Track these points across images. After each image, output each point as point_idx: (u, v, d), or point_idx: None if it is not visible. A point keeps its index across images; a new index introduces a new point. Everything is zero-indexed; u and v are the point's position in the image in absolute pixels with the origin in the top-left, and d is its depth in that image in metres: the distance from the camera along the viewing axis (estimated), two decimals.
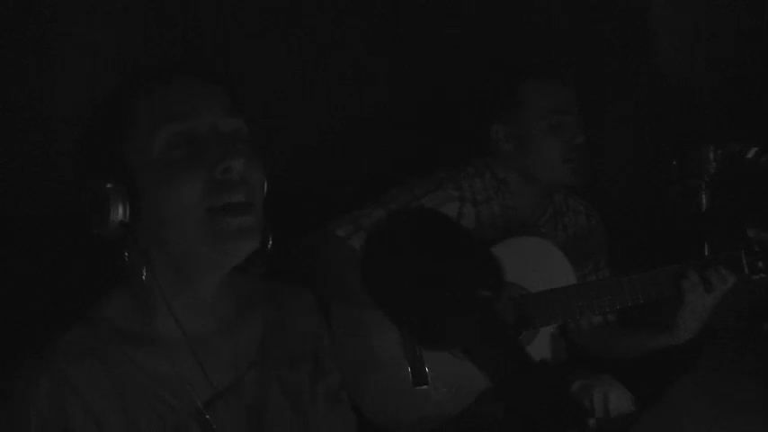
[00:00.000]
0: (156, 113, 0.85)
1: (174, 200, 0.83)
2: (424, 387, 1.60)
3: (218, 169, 0.83)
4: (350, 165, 1.96)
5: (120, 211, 0.83)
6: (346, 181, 1.75)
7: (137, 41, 1.63)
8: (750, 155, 1.58)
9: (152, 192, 0.84)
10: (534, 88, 1.70)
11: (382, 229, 0.76)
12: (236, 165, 0.84)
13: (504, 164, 1.73)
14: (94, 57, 1.56)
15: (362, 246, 0.75)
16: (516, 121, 1.70)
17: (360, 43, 2.12)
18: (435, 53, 2.18)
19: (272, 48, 1.94)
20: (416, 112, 2.13)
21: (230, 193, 0.84)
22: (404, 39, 2.18)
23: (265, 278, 1.02)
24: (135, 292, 0.89)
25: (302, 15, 2.01)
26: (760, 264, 1.50)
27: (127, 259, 0.85)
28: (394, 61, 2.17)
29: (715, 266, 1.49)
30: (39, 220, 1.34)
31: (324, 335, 1.07)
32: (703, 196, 1.62)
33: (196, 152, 0.84)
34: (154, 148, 0.84)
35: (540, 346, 1.66)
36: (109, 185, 0.83)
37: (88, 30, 1.56)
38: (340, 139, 2.07)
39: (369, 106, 2.12)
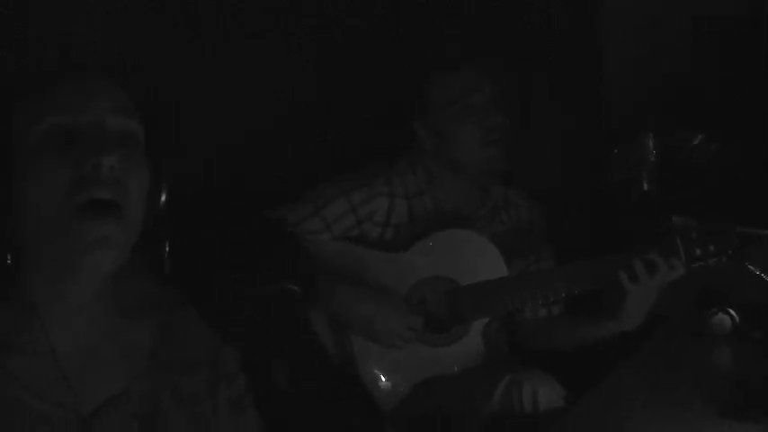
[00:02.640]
0: (44, 104, 0.83)
1: (39, 189, 0.80)
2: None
3: (88, 163, 0.80)
4: (350, 164, 1.96)
5: None
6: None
7: (137, 42, 1.63)
8: (696, 141, 1.59)
9: (21, 179, 0.81)
10: (439, 79, 1.71)
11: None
12: (106, 161, 0.80)
13: (432, 158, 1.73)
14: (94, 57, 1.56)
15: None
16: (431, 115, 1.71)
17: (360, 43, 2.12)
18: (435, 53, 2.17)
19: (271, 48, 1.94)
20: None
21: (95, 189, 0.80)
22: (404, 39, 2.18)
23: (156, 285, 0.99)
24: (11, 298, 0.85)
25: (302, 15, 2.02)
26: (698, 251, 1.49)
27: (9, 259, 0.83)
28: (394, 60, 2.17)
29: (652, 254, 1.48)
30: None
31: (220, 346, 1.02)
32: (644, 184, 1.61)
33: (74, 144, 0.82)
34: (32, 136, 0.82)
35: (473, 339, 1.65)
36: None
37: (88, 30, 1.56)
38: (340, 140, 2.07)
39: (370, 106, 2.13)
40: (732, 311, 1.41)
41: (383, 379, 1.62)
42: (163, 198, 0.91)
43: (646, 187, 1.60)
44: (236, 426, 1.00)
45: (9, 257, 0.83)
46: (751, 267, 1.35)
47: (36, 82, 0.86)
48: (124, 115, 0.86)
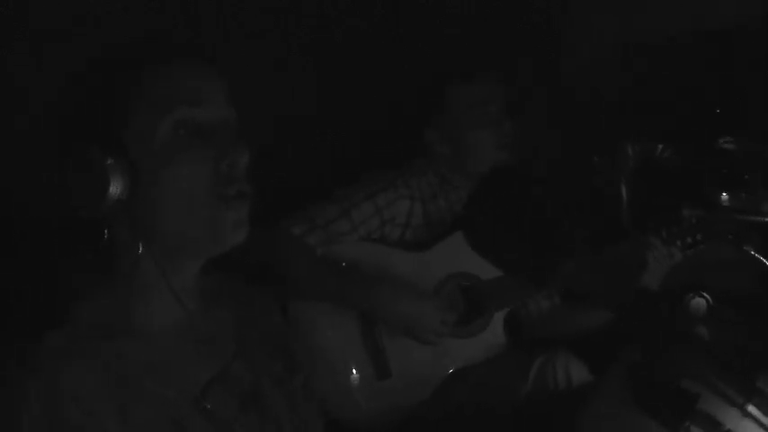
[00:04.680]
0: (165, 94, 0.84)
1: (179, 184, 0.83)
2: (388, 380, 1.65)
3: (226, 161, 0.85)
4: (349, 164, 1.97)
5: (120, 187, 0.80)
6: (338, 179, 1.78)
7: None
8: (657, 152, 1.73)
9: (153, 172, 0.82)
10: (453, 90, 1.78)
11: None
12: (243, 160, 0.86)
13: (445, 163, 1.81)
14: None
15: None
16: (445, 122, 1.78)
17: (360, 43, 2.13)
18: (436, 53, 2.18)
19: (272, 48, 1.94)
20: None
21: (234, 186, 0.86)
22: (404, 39, 2.18)
23: (228, 277, 1.04)
24: (112, 286, 0.88)
25: (302, 15, 2.02)
26: (689, 240, 1.64)
27: (106, 238, 0.84)
28: (394, 61, 2.17)
29: (657, 243, 1.63)
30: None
31: (288, 334, 1.10)
32: (623, 188, 1.76)
33: (204, 140, 0.85)
34: (159, 130, 0.82)
35: (495, 331, 1.73)
36: (110, 160, 0.80)
37: (87, 30, 1.56)
38: (340, 140, 2.07)
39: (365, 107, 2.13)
40: (707, 295, 1.53)
41: (415, 371, 1.67)
42: None
43: (625, 191, 1.76)
44: (309, 411, 1.05)
45: (141, 246, 0.85)
46: (749, 250, 1.46)
47: (149, 62, 0.85)
48: (231, 104, 0.90)
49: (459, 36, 2.21)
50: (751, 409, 1.10)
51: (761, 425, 1.14)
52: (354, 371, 1.65)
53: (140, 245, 0.84)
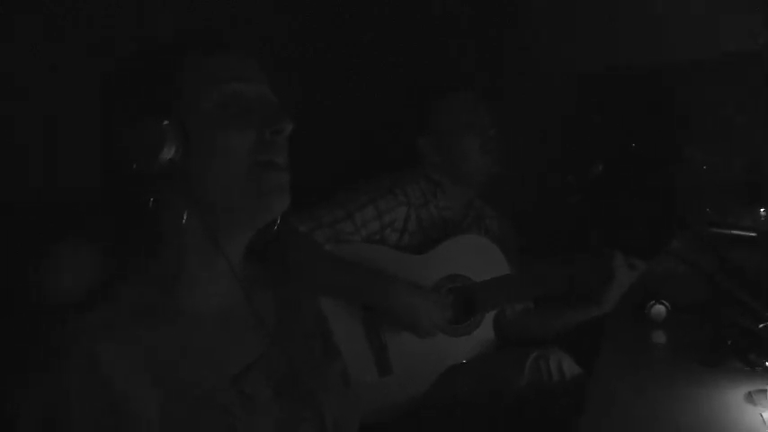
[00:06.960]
0: (216, 70, 0.89)
1: (224, 150, 0.86)
2: (389, 376, 1.71)
3: (270, 129, 0.88)
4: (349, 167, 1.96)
5: (174, 147, 0.84)
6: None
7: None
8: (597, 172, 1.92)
9: (201, 139, 0.86)
10: (444, 103, 1.92)
11: None
12: (287, 128, 0.89)
13: (437, 170, 1.93)
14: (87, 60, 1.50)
15: None
16: (435, 131, 1.91)
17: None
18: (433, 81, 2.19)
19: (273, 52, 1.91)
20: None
21: (276, 153, 0.89)
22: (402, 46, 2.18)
23: (266, 262, 1.05)
24: (156, 263, 0.89)
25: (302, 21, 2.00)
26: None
27: (151, 206, 0.86)
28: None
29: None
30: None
31: (326, 319, 1.13)
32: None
33: (249, 111, 0.89)
34: (209, 100, 0.87)
35: (486, 329, 1.86)
36: (166, 122, 0.84)
37: (85, 31, 1.51)
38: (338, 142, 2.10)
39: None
40: (665, 302, 1.70)
41: (414, 368, 1.74)
42: None
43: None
44: (347, 397, 1.07)
45: (185, 215, 0.87)
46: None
47: (203, 43, 0.92)
48: (274, 93, 0.95)
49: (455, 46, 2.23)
50: None
51: None
52: (360, 370, 1.69)
53: (185, 213, 0.87)
